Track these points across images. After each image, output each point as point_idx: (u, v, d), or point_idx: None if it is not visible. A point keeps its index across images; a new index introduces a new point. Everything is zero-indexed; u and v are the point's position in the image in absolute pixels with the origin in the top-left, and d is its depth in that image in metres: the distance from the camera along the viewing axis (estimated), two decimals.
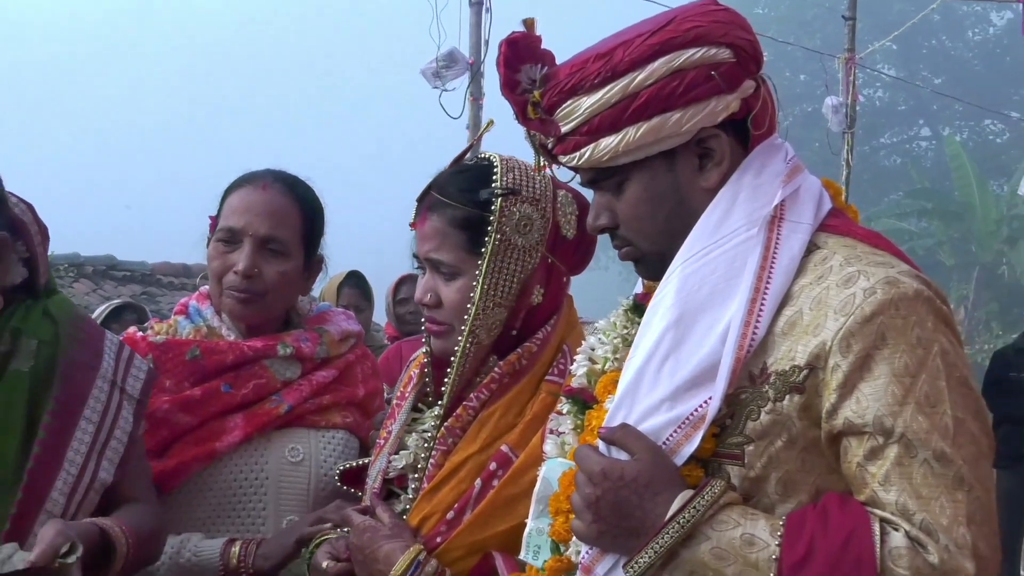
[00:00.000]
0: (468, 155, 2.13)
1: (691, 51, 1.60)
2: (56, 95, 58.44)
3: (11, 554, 1.74)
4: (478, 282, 1.94)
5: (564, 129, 1.67)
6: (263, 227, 2.19)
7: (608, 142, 1.63)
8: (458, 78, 7.47)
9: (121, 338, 2.15)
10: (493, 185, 1.96)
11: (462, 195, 1.98)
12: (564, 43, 1.74)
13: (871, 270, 1.55)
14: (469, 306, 1.96)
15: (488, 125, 2.20)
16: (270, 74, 61.93)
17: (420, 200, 2.04)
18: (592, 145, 1.64)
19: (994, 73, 27.80)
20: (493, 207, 1.95)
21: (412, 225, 2.06)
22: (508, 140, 2.13)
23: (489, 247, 1.94)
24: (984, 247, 20.39)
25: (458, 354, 1.98)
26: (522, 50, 1.72)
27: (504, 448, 1.95)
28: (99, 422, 1.89)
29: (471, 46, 7.70)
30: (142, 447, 2.08)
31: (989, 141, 28.25)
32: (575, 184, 1.91)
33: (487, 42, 7.48)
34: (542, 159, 1.78)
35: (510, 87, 1.74)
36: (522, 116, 1.71)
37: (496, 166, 1.99)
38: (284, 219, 2.23)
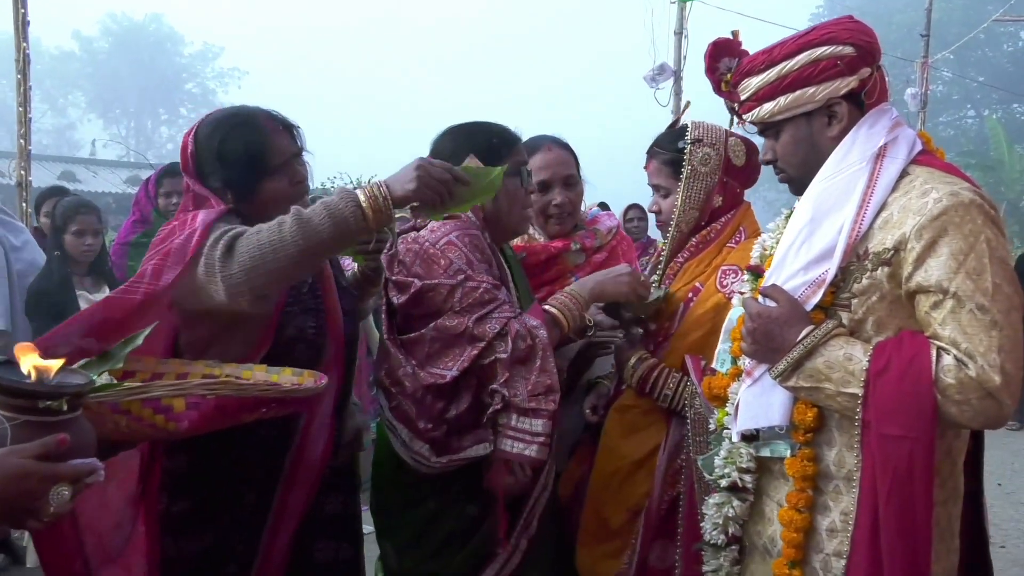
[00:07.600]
0: (677, 124, 2.52)
1: (823, 48, 1.77)
2: None
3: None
4: (679, 195, 2.38)
5: (742, 98, 1.87)
6: (563, 171, 2.66)
7: (768, 107, 1.82)
8: (666, 81, 10.02)
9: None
10: (686, 137, 2.38)
11: (669, 145, 2.42)
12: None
13: (940, 186, 1.66)
14: (674, 210, 2.39)
15: (687, 105, 2.65)
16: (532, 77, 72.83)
17: (648, 152, 2.47)
18: (758, 108, 1.84)
19: (1020, 72, 31.04)
20: (686, 151, 2.37)
21: (645, 167, 2.49)
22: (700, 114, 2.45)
23: (685, 174, 2.37)
24: (1010, 189, 24.08)
25: (671, 235, 2.42)
26: (721, 49, 1.94)
27: (697, 284, 2.37)
28: None
29: (675, 60, 10.08)
30: None
31: (1016, 119, 31.53)
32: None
33: (685, 58, 10.04)
34: (734, 116, 2.02)
35: (711, 71, 1.95)
36: (717, 89, 1.94)
37: (688, 127, 2.40)
38: (568, 163, 2.68)
